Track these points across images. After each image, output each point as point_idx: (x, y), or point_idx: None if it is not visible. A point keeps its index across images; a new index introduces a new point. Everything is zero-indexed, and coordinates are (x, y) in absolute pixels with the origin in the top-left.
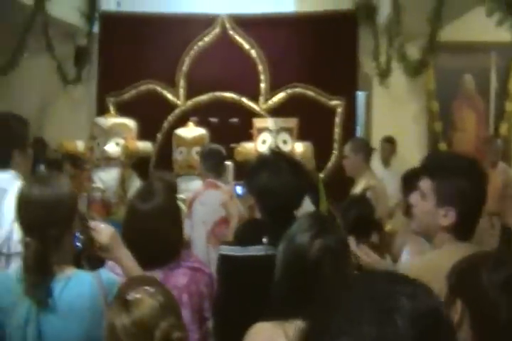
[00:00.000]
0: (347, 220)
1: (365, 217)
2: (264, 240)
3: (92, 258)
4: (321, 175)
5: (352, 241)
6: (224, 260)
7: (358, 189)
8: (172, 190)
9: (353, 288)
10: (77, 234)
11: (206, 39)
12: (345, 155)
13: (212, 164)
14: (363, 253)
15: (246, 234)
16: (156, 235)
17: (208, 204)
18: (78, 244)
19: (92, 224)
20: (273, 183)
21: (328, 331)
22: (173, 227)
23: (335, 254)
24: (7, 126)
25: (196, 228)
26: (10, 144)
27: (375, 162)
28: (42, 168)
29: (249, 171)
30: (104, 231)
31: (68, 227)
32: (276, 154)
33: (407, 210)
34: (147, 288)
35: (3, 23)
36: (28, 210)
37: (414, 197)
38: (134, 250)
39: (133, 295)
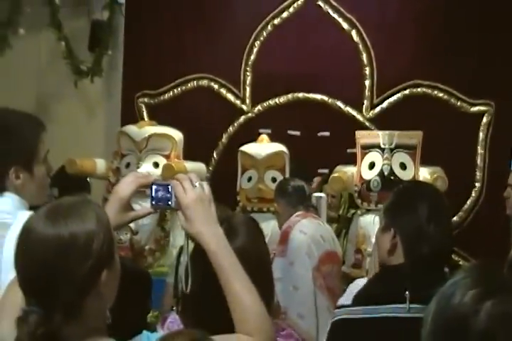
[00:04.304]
0: None
1: None
2: (407, 294)
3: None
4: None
5: None
6: (342, 327)
7: None
8: (258, 227)
9: None
10: (170, 187)
11: (284, 15)
12: (511, 184)
13: (297, 198)
14: None
15: (380, 288)
16: None
17: (309, 234)
18: (169, 198)
19: (180, 175)
20: (432, 223)
21: None
22: (263, 282)
23: None
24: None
25: (298, 265)
26: (6, 157)
27: None
28: (55, 192)
29: (395, 203)
30: (189, 189)
31: (94, 285)
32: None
33: None
34: None
35: None
36: (26, 261)
37: None
38: (200, 318)
39: None
